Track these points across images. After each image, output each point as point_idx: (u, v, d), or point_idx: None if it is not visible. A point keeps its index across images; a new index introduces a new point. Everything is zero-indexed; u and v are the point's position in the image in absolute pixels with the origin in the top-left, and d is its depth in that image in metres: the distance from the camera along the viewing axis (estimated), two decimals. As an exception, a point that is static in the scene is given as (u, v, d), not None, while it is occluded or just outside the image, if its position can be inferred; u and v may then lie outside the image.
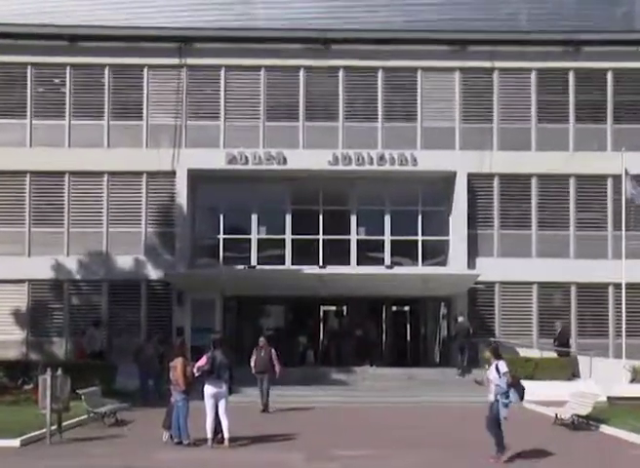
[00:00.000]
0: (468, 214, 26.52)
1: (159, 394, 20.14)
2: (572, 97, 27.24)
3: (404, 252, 27.34)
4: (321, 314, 29.91)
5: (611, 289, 26.35)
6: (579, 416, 17.01)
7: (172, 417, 14.73)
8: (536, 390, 21.80)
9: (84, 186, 26.89)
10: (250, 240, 27.24)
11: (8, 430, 15.16)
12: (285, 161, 26.44)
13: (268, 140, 26.93)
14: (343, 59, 27.11)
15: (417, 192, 27.31)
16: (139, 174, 26.81)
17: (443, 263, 27.15)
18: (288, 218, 27.20)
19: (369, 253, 27.40)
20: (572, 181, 27.09)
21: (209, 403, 14.37)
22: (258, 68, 27.18)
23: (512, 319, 26.71)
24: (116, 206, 26.83)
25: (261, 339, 20.29)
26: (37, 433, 15.11)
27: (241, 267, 26.57)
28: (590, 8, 29.46)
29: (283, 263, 26.93)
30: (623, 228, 25.15)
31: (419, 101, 27.24)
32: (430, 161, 26.43)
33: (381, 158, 26.42)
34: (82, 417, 17.32)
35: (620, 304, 24.63)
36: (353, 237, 27.24)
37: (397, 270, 26.64)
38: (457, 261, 26.38)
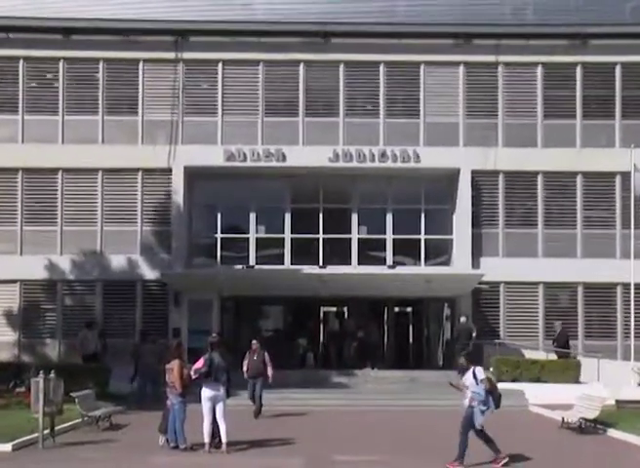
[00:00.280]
0: (472, 213, 26.51)
1: (157, 397, 20.12)
2: (579, 92, 27.24)
3: (406, 251, 27.34)
4: (321, 315, 29.90)
5: (619, 289, 26.35)
6: (586, 420, 17.01)
7: (168, 421, 14.73)
8: (542, 393, 22.00)
9: (78, 183, 26.89)
10: (248, 239, 27.25)
11: (-1, 434, 15.17)
12: (284, 158, 26.44)
13: (267, 137, 26.93)
14: (344, 53, 27.10)
15: (419, 190, 27.31)
16: (134, 171, 26.81)
17: (446, 263, 27.16)
18: (287, 217, 27.21)
19: (370, 252, 27.40)
20: (579, 179, 27.08)
21: (206, 406, 14.35)
22: (256, 63, 27.18)
23: (517, 320, 26.70)
24: (111, 204, 26.83)
25: (254, 342, 19.97)
26: (29, 437, 15.09)
27: (239, 267, 26.58)
28: (598, 0, 29.40)
29: (282, 263, 26.94)
30: (632, 227, 25.18)
31: (421, 96, 27.23)
32: (433, 158, 26.44)
33: (383, 155, 26.41)
34: (76, 421, 17.30)
35: (629, 305, 24.65)
36: (354, 236, 27.25)
37: (399, 270, 26.64)
38: (460, 261, 26.37)
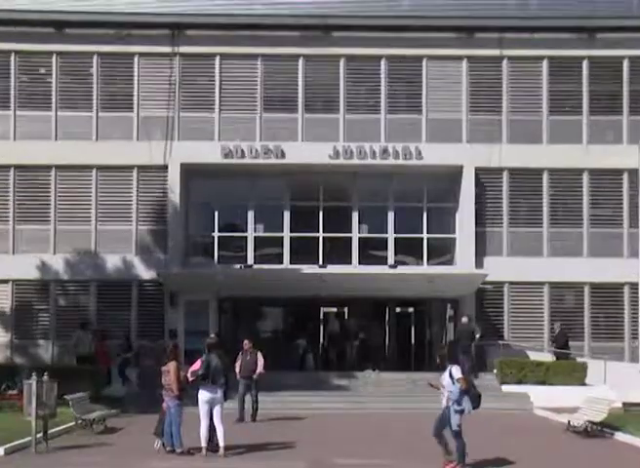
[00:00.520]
0: (476, 211, 26.51)
1: (155, 399, 20.13)
2: (585, 87, 27.22)
3: (408, 250, 27.36)
4: (321, 316, 29.90)
5: (626, 289, 26.35)
6: (592, 423, 17.01)
7: (164, 424, 14.74)
8: (547, 396, 22.03)
9: (71, 181, 26.89)
10: (246, 238, 27.26)
11: (-9, 438, 15.19)
12: (283, 155, 26.44)
13: (266, 133, 26.94)
14: (345, 48, 27.09)
15: (422, 187, 27.31)
16: (129, 168, 26.81)
17: (449, 262, 27.18)
18: (286, 215, 27.21)
19: (371, 251, 27.41)
20: (585, 176, 27.08)
21: (203, 409, 14.37)
22: (254, 57, 27.17)
23: (522, 321, 26.72)
24: (105, 202, 26.84)
25: (246, 342, 19.89)
26: (22, 441, 15.09)
27: (237, 267, 26.59)
28: (605, -7, 29.37)
29: (281, 262, 26.95)
30: (640, 225, 25.22)
31: (424, 92, 27.23)
32: (436, 155, 26.43)
33: (385, 151, 26.42)
34: (69, 424, 17.33)
35: (637, 305, 24.68)
36: (355, 235, 27.25)
37: (401, 270, 26.65)
38: (464, 260, 26.38)
